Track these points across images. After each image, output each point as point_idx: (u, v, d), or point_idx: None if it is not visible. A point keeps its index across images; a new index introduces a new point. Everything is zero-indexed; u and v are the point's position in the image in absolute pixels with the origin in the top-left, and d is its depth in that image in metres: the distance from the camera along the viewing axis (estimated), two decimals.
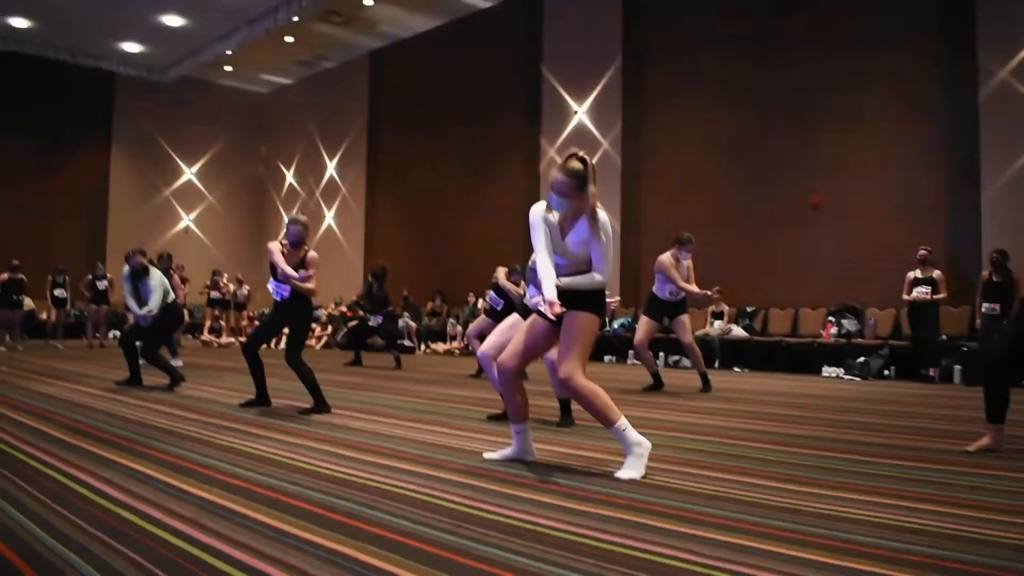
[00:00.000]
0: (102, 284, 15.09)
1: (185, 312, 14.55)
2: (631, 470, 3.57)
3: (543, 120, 16.40)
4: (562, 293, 3.69)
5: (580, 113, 15.75)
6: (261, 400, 6.16)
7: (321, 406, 5.83)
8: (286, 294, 6.02)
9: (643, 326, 8.18)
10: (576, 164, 3.64)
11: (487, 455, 4.04)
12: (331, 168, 21.88)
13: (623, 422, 3.65)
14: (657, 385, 8.13)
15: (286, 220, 6.19)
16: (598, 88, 15.47)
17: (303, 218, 6.18)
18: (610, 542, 2.54)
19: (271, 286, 6.08)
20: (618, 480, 3.50)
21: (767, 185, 12.98)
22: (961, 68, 11.25)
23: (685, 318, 8.18)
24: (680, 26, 14.41)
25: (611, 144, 15.09)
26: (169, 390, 7.28)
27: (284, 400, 6.46)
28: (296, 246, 6.05)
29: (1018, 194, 10.62)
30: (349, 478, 3.47)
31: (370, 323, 11.92)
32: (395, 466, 3.77)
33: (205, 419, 5.35)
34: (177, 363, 10.10)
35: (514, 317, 5.54)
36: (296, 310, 6.11)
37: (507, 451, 4.01)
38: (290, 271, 5.93)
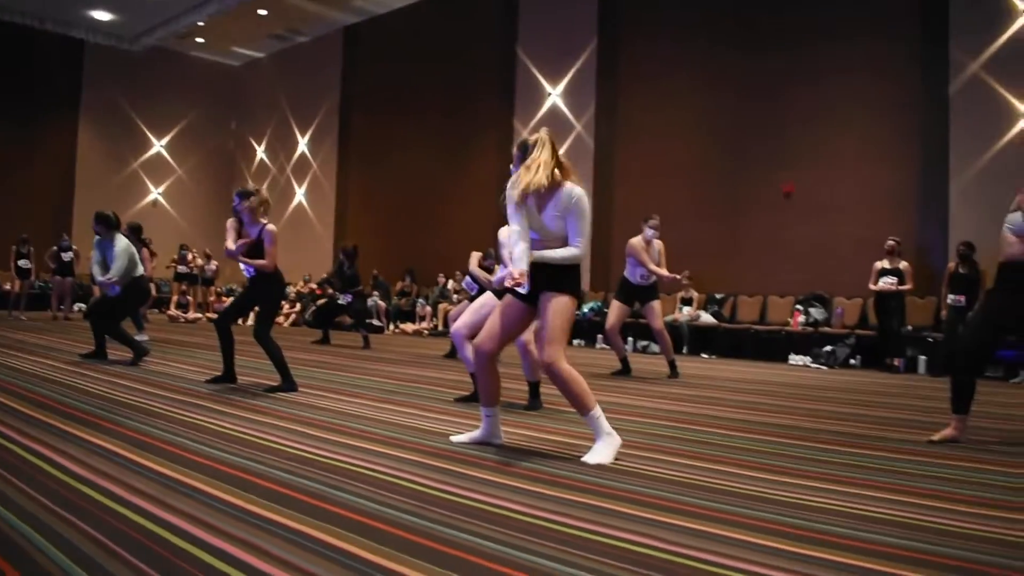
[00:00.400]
0: (67, 256, 14.85)
1: (152, 286, 14.42)
2: (599, 455, 3.58)
3: (517, 102, 16.35)
4: (537, 270, 3.70)
5: (554, 95, 15.71)
6: (228, 377, 6.09)
7: (288, 384, 5.79)
8: (251, 271, 5.97)
9: (614, 310, 8.20)
10: (526, 137, 3.81)
11: (454, 438, 4.03)
12: (302, 144, 21.67)
13: (598, 410, 3.66)
14: (625, 370, 8.17)
15: None
16: (573, 71, 15.43)
17: (251, 187, 6.06)
18: (574, 526, 2.55)
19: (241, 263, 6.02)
20: (584, 465, 3.51)
21: (739, 172, 13.04)
22: (934, 61, 11.35)
23: (656, 304, 8.20)
24: (656, 10, 14.39)
25: (584, 127, 15.08)
26: (133, 364, 7.19)
27: (251, 378, 6.41)
28: (247, 219, 5.96)
29: (986, 187, 10.75)
30: (315, 458, 3.45)
31: (339, 301, 11.85)
32: (361, 446, 3.75)
33: (171, 395, 5.29)
34: (143, 338, 9.99)
35: (487, 296, 5.54)
36: (264, 287, 6.04)
37: (475, 434, 4.01)
38: (230, 246, 5.83)
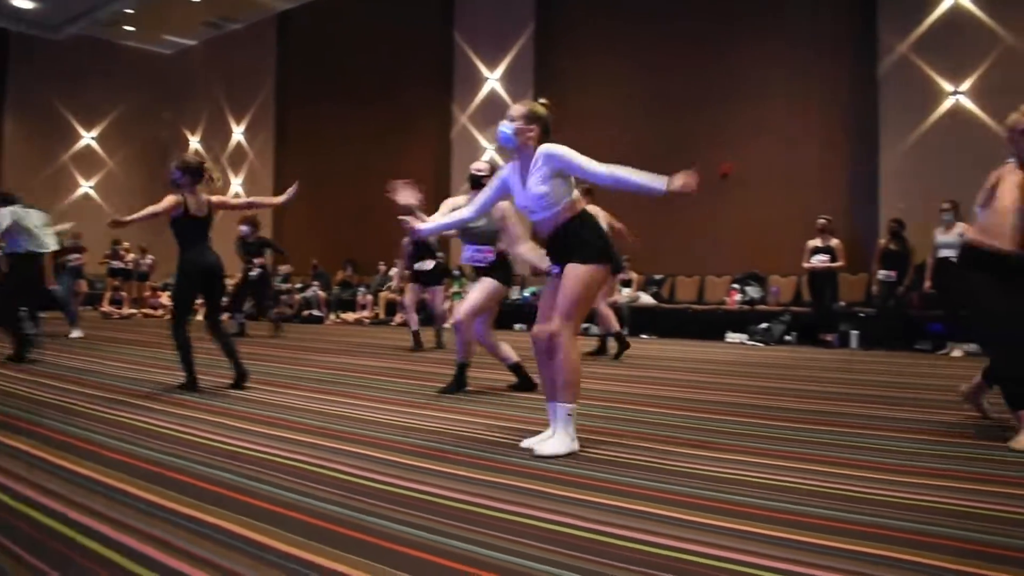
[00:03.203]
0: None
1: (84, 282, 14.03)
2: (551, 448, 3.37)
3: (455, 87, 16.24)
4: (552, 239, 3.60)
5: (492, 80, 15.63)
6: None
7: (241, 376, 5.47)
8: None
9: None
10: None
11: (523, 443, 3.57)
12: (238, 133, 21.26)
13: (574, 408, 3.47)
14: (602, 350, 8.41)
15: None
16: (511, 55, 15.37)
17: (188, 156, 5.84)
18: (502, 510, 2.53)
19: None
20: (521, 449, 3.48)
21: (677, 154, 13.08)
22: (863, 42, 11.55)
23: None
24: None
25: None
26: (13, 360, 6.87)
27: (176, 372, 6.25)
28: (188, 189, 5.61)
29: (914, 165, 10.99)
30: (239, 450, 3.37)
31: (251, 275, 11.50)
32: (288, 437, 3.68)
33: (95, 392, 5.14)
34: (77, 334, 9.73)
35: (486, 281, 5.40)
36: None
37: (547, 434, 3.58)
38: (133, 216, 5.46)
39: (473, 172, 5.62)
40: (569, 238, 3.54)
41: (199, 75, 22.36)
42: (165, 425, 3.96)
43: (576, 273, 3.46)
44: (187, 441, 3.57)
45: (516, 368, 5.46)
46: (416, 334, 9.27)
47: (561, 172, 3.55)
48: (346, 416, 4.31)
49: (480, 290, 5.36)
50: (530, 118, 3.65)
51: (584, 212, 3.63)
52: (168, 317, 5.62)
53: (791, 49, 12.14)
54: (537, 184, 3.55)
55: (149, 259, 17.50)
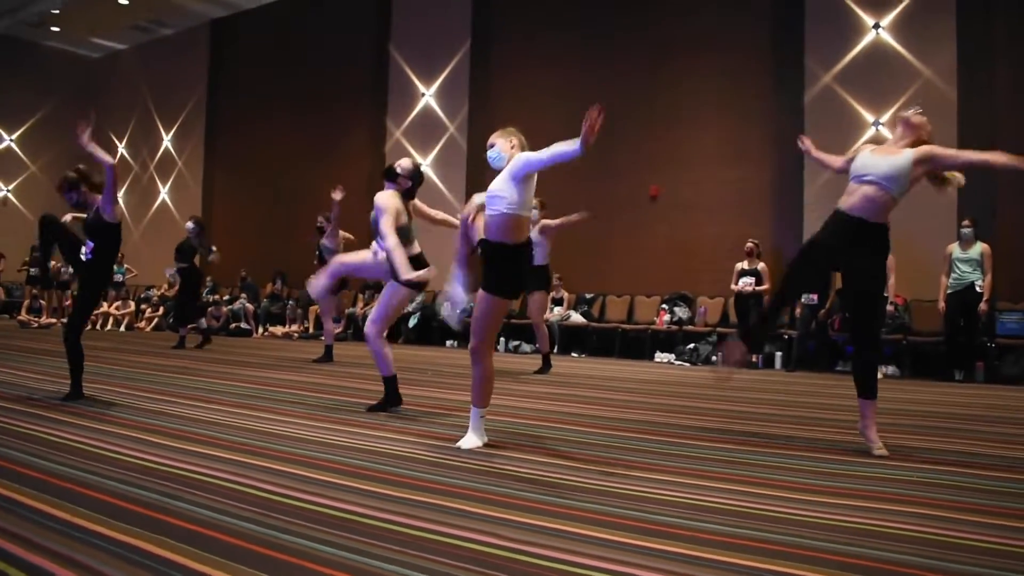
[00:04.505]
0: None
1: (1, 290, 13.58)
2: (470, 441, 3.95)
3: (389, 101, 16.21)
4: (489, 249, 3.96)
5: (428, 96, 15.65)
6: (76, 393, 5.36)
7: (76, 392, 5.31)
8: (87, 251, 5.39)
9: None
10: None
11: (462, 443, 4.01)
12: (167, 141, 20.84)
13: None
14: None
15: None
16: (446, 71, 15.41)
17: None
18: (418, 527, 2.52)
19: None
20: (432, 465, 3.48)
21: (608, 175, 13.29)
22: (791, 72, 11.90)
23: (539, 296, 8.49)
24: (528, 12, 14.52)
25: (457, 128, 15.09)
26: None
27: (110, 387, 6.09)
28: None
29: (836, 191, 11.24)
30: (154, 466, 3.30)
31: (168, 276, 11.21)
32: (206, 452, 3.61)
33: (6, 404, 4.97)
34: None
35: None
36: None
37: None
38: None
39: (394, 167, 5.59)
40: (494, 258, 3.92)
41: (128, 80, 21.87)
42: (78, 439, 3.85)
43: (482, 300, 3.93)
44: (101, 456, 3.47)
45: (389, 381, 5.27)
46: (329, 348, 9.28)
47: (520, 178, 3.87)
48: (268, 432, 4.25)
49: (382, 296, 5.34)
50: (507, 137, 4.09)
51: (521, 244, 3.93)
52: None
53: (722, 75, 12.43)
54: (498, 181, 3.94)
55: (70, 268, 16.99)
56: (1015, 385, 8.92)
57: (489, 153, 4.08)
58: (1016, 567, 2.31)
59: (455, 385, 6.90)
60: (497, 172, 4.03)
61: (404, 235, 5.20)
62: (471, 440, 3.95)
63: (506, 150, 4.02)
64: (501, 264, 3.90)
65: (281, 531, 2.44)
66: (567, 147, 3.71)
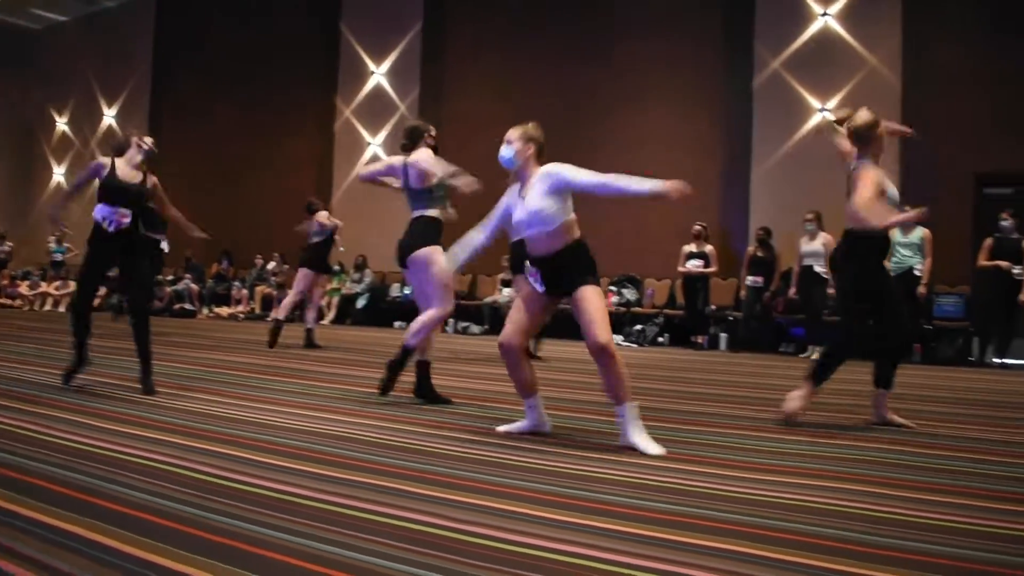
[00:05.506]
0: None
1: None
2: (645, 446, 3.55)
3: (339, 79, 16.00)
4: (548, 261, 3.77)
5: (378, 75, 15.49)
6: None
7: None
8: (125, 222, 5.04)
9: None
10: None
11: (500, 428, 3.96)
12: (109, 117, 20.35)
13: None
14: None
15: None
16: (398, 51, 15.25)
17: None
18: (363, 510, 2.49)
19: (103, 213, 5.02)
20: (389, 448, 3.46)
21: (556, 157, 13.26)
22: (740, 57, 12.00)
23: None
24: None
25: (408, 108, 14.96)
26: None
27: (46, 369, 5.94)
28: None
29: (782, 176, 11.49)
30: (90, 449, 3.22)
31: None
32: (145, 435, 3.54)
33: None
34: None
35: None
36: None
37: (521, 424, 3.96)
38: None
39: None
40: (571, 261, 3.79)
41: (69, 53, 21.27)
42: (11, 422, 3.74)
43: (594, 293, 3.73)
44: (33, 439, 3.38)
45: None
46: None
47: (559, 191, 3.79)
48: (209, 414, 4.18)
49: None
50: (525, 139, 3.89)
51: (582, 238, 3.88)
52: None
53: (673, 59, 12.50)
54: (535, 200, 3.76)
55: (8, 246, 16.56)
56: (951, 366, 9.16)
57: (503, 150, 3.90)
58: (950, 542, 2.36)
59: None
60: (505, 168, 3.92)
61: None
62: (651, 445, 3.54)
63: (521, 155, 3.88)
64: (583, 257, 3.83)
65: (219, 513, 2.40)
66: (632, 184, 3.85)
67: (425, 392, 4.89)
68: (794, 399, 4.47)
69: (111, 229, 4.92)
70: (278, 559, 2.05)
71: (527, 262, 3.91)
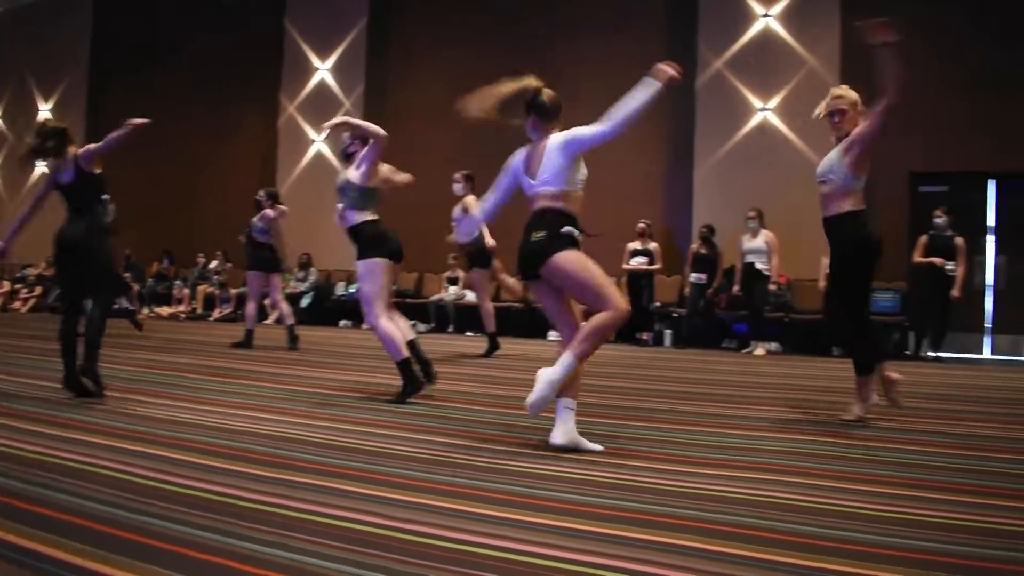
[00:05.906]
0: None
1: None
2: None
3: (283, 75, 15.79)
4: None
5: (323, 70, 15.31)
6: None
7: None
8: None
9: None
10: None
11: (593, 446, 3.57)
12: (45, 112, 19.79)
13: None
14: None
15: None
16: (343, 46, 15.11)
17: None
18: (298, 509, 2.46)
19: None
20: (323, 447, 3.42)
21: (503, 155, 13.26)
22: (683, 56, 12.10)
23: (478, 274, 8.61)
24: None
25: (354, 104, 14.82)
26: None
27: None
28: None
29: (724, 174, 11.64)
30: (14, 452, 3.13)
31: None
32: (76, 438, 3.45)
33: None
34: None
35: None
36: None
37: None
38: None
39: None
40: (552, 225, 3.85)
41: (2, 44, 20.62)
42: None
43: (568, 261, 3.78)
44: None
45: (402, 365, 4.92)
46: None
47: (577, 156, 3.90)
48: (146, 416, 4.09)
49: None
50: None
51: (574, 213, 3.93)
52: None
53: (614, 57, 12.55)
54: (549, 168, 3.91)
55: None
56: (890, 361, 9.35)
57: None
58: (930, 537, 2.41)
59: (365, 367, 6.79)
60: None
61: None
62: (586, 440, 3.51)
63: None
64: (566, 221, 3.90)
65: (157, 517, 2.34)
66: (640, 99, 3.88)
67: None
68: (855, 405, 4.69)
69: None
70: (204, 559, 2.02)
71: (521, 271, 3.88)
